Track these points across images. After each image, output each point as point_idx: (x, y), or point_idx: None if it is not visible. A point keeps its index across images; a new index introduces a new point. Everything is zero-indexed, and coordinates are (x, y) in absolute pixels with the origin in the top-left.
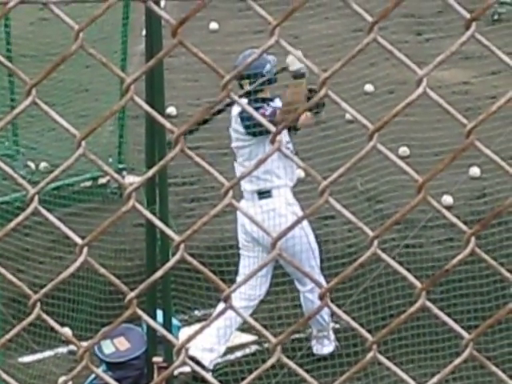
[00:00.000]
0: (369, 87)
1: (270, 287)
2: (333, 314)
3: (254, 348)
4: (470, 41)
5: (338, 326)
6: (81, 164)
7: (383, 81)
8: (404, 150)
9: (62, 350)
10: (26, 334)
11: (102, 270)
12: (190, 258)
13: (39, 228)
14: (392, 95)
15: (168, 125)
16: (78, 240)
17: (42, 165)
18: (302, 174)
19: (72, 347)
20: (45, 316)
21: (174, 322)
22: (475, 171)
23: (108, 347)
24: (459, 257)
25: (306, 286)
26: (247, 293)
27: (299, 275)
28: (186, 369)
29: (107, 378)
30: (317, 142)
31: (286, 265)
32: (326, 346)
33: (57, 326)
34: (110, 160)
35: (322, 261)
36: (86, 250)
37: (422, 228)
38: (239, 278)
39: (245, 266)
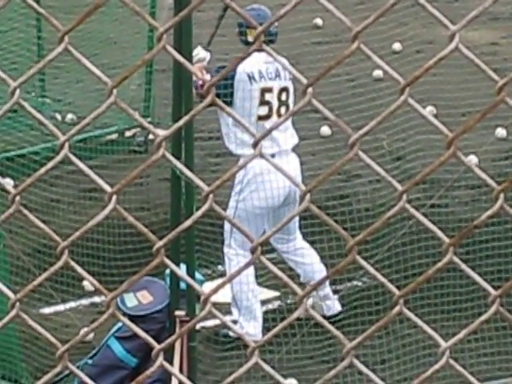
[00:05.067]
0: (397, 46)
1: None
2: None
3: (276, 304)
4: (499, 1)
5: (360, 283)
6: (107, 117)
7: (412, 40)
8: (431, 110)
9: (85, 301)
10: (48, 285)
11: (131, 219)
12: (218, 208)
13: (66, 179)
14: (420, 55)
15: (199, 74)
16: (108, 188)
17: (69, 116)
18: (328, 131)
19: (94, 299)
20: (73, 263)
21: (198, 276)
22: (502, 132)
23: (131, 300)
24: (488, 212)
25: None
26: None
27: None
28: (208, 323)
29: (134, 326)
30: (345, 101)
31: (281, 215)
32: (335, 304)
33: (85, 273)
34: (137, 113)
35: (345, 221)
36: (115, 198)
37: (447, 188)
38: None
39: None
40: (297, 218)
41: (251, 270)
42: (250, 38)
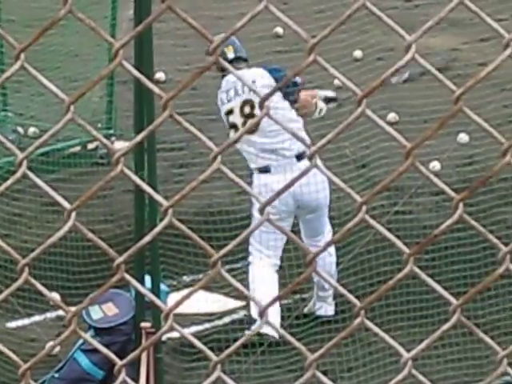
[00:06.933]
0: (358, 53)
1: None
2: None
3: (242, 314)
4: (458, 7)
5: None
6: (69, 130)
7: (373, 48)
8: (393, 116)
9: (50, 315)
10: (14, 299)
11: (90, 235)
12: (178, 223)
13: (28, 193)
14: (381, 62)
15: (157, 90)
16: (67, 205)
17: (31, 130)
18: None
19: (60, 312)
20: (33, 280)
21: (163, 287)
22: (464, 138)
23: (96, 312)
24: (448, 222)
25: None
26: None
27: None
28: (174, 334)
29: (95, 342)
30: None
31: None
32: (329, 308)
33: (45, 291)
34: (99, 125)
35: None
36: (74, 214)
37: (411, 195)
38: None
39: (269, 240)
40: (326, 221)
41: (274, 277)
42: (230, 55)
